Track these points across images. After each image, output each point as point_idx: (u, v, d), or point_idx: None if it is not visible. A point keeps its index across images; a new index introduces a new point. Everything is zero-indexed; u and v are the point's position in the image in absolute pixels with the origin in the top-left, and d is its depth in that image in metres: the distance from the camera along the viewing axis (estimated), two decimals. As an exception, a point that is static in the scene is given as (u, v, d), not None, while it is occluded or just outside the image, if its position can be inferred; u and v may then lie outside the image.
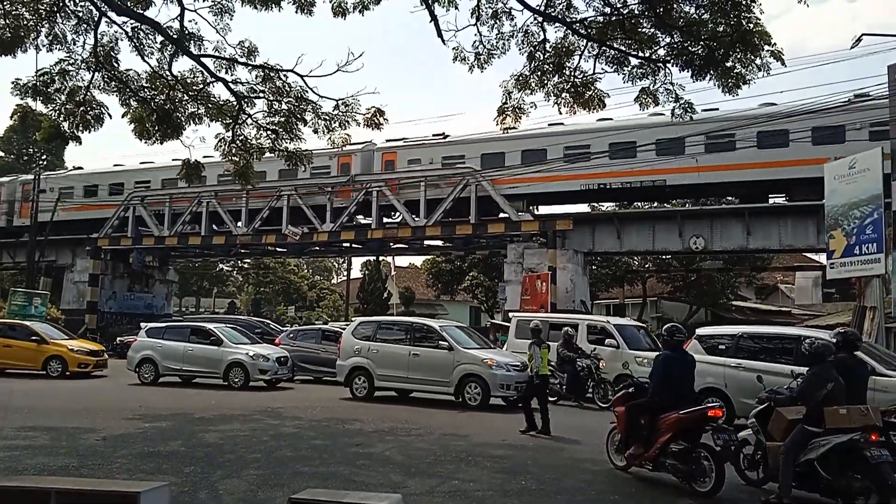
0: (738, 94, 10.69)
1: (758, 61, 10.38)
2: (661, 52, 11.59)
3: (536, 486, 7.87)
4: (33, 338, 19.93)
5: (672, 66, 11.41)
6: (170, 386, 18.45)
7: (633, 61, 11.76)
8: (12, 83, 12.63)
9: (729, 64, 10.49)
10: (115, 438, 9.79)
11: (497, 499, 7.23)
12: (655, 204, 32.01)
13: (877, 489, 6.50)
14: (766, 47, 10.26)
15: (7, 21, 11.81)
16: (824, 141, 24.67)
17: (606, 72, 12.11)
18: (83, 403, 13.92)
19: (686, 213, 29.79)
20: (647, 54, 11.65)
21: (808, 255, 37.12)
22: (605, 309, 45.53)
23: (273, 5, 12.55)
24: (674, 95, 11.63)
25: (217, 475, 7.60)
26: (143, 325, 21.21)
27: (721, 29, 10.45)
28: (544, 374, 11.91)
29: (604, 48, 11.84)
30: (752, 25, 10.17)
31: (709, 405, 7.79)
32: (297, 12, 12.58)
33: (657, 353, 8.99)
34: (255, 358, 17.93)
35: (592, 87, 12.05)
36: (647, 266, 41.67)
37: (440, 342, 15.20)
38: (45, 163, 55.91)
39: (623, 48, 11.77)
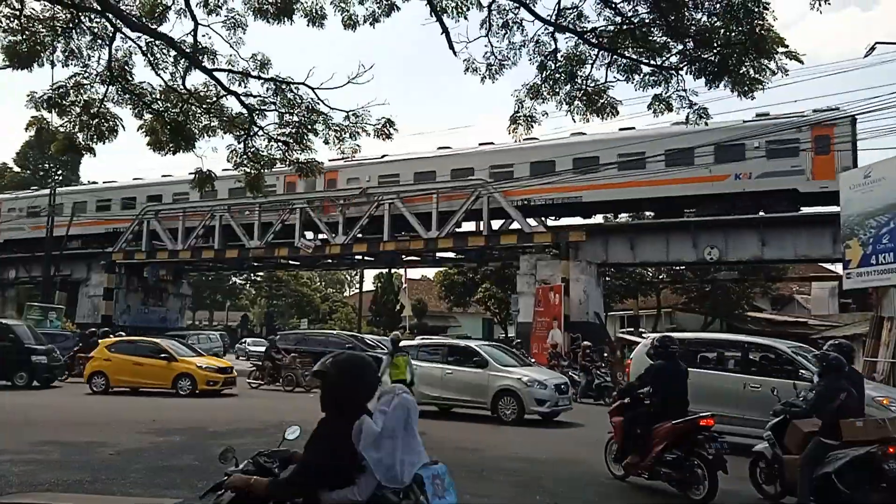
0: (753, 99, 10.59)
1: (772, 65, 10.30)
2: (674, 59, 11.53)
3: (550, 500, 7.76)
4: (162, 355, 19.45)
5: (685, 73, 11.35)
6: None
7: (646, 69, 11.69)
8: (28, 96, 12.73)
9: (743, 70, 10.41)
10: (128, 452, 9.76)
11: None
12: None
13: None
14: (781, 49, 10.18)
15: (24, 36, 11.92)
16: (725, 159, 26.24)
17: (618, 80, 12.07)
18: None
19: (700, 224, 29.60)
20: (660, 62, 11.59)
21: (825, 265, 36.76)
22: (620, 320, 45.31)
23: (285, 19, 12.60)
24: (687, 102, 11.57)
25: (229, 489, 7.53)
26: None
27: (734, 35, 10.38)
28: (398, 380, 12.82)
29: (616, 56, 11.79)
30: (765, 31, 10.10)
31: (701, 415, 7.78)
32: (308, 25, 12.64)
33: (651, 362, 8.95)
34: (530, 384, 14.51)
35: (605, 95, 12.00)
36: (661, 277, 41.43)
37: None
38: (60, 178, 56.44)
39: (635, 56, 11.72)
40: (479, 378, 14.88)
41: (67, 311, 36.14)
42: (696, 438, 7.62)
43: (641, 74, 11.68)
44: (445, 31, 11.40)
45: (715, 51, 10.62)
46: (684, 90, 11.55)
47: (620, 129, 28.40)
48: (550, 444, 11.92)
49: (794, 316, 41.50)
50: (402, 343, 15.62)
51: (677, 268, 38.03)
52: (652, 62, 11.57)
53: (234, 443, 10.73)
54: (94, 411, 15.44)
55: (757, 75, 10.29)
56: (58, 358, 21.36)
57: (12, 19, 12.02)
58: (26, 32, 12.08)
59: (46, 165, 61.10)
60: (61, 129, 13.87)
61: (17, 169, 61.50)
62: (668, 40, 11.20)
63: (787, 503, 7.38)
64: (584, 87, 12.09)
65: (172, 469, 8.61)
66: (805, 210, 26.87)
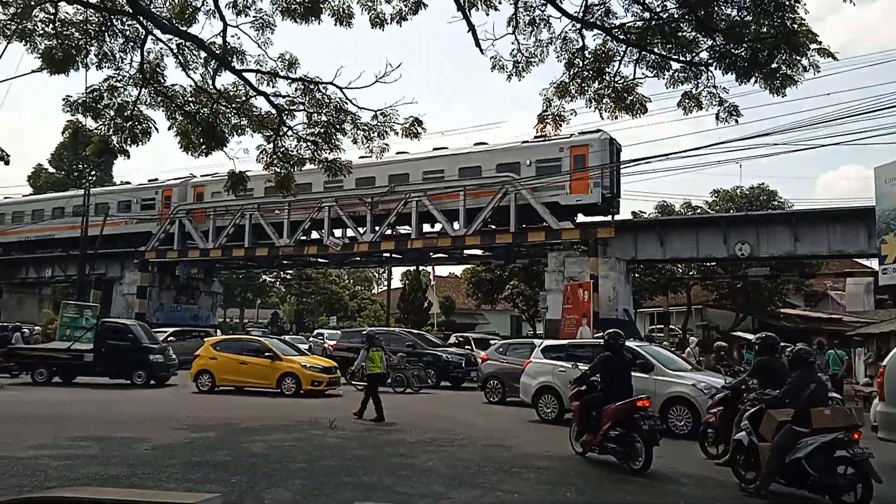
0: (785, 95, 10.45)
1: (804, 61, 10.15)
2: (704, 55, 11.42)
3: (580, 498, 7.77)
4: (267, 354, 19.16)
5: (715, 69, 11.24)
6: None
7: (675, 65, 11.60)
8: (63, 100, 12.98)
9: (774, 65, 10.27)
10: (163, 447, 9.95)
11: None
12: (699, 210, 31.51)
13: (861, 484, 7.05)
14: (813, 45, 10.02)
15: (59, 41, 12.17)
16: (504, 171, 29.93)
17: (647, 76, 11.99)
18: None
19: (730, 220, 29.27)
20: (689, 58, 11.49)
21: (860, 260, 36.10)
22: (649, 317, 44.95)
23: (313, 19, 12.70)
24: (717, 99, 11.46)
25: (262, 485, 7.65)
26: (536, 342, 17.55)
27: (764, 30, 10.25)
28: (373, 373, 13.91)
29: (644, 53, 11.71)
30: (796, 26, 9.95)
31: (639, 397, 9.16)
32: (336, 24, 12.72)
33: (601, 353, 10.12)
34: (706, 391, 12.12)
35: (634, 92, 11.92)
36: (691, 273, 40.98)
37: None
38: (94, 178, 57.46)
39: (664, 52, 11.63)
40: (643, 384, 11.73)
41: (102, 309, 36.82)
42: (635, 417, 8.86)
43: (670, 71, 11.59)
44: (472, 28, 11.41)
45: (745, 46, 10.49)
46: (714, 87, 11.45)
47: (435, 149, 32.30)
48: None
49: (828, 312, 40.81)
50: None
51: (708, 264, 37.61)
52: (681, 58, 11.48)
53: (266, 439, 10.95)
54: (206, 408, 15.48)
55: (789, 71, 10.15)
56: (172, 357, 21.80)
57: (47, 24, 12.28)
58: (61, 37, 12.34)
59: (80, 166, 62.25)
60: (96, 132, 14.14)
61: (52, 170, 62.75)
62: (698, 36, 11.10)
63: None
64: (612, 84, 12.03)
65: (206, 464, 8.77)
66: (838, 204, 26.50)
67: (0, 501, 1.07)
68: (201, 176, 38.48)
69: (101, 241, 36.40)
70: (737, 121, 11.61)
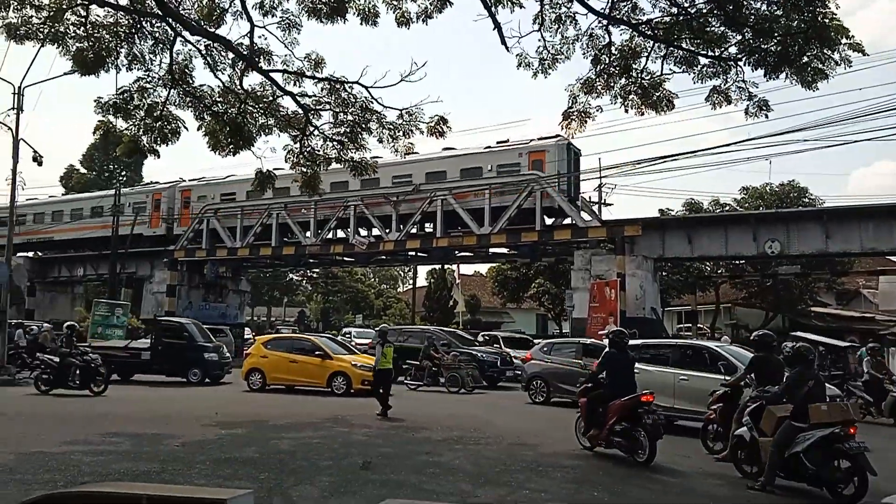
0: (817, 90, 10.29)
1: (836, 56, 9.99)
2: (732, 50, 11.31)
3: (608, 496, 7.72)
4: (317, 353, 18.98)
5: (744, 64, 11.10)
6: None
7: (703, 60, 11.50)
8: (95, 101, 13.20)
9: (805, 60, 10.12)
10: (193, 444, 10.08)
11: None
12: (728, 208, 31.14)
13: (857, 476, 7.40)
14: (844, 40, 9.85)
15: (90, 43, 12.37)
16: (469, 177, 30.87)
17: (675, 72, 11.89)
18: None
19: (760, 217, 28.87)
20: (718, 53, 11.37)
21: (893, 258, 35.39)
22: (677, 316, 44.53)
23: (339, 18, 12.77)
24: (746, 94, 11.32)
25: (290, 481, 7.72)
26: (584, 341, 17.06)
27: (795, 24, 10.10)
28: (383, 368, 14.24)
29: (672, 49, 11.61)
30: (827, 20, 9.80)
31: (642, 392, 9.58)
32: (361, 24, 12.78)
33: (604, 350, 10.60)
34: None
35: (661, 88, 11.82)
36: (719, 271, 40.49)
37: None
38: (124, 179, 58.30)
39: (692, 48, 11.52)
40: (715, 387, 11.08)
41: (133, 307, 37.37)
42: (639, 412, 9.26)
43: (699, 66, 11.50)
44: (497, 26, 11.40)
45: (775, 41, 10.35)
46: (743, 82, 11.32)
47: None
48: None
49: (861, 311, 40.09)
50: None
51: (736, 262, 37.12)
52: (709, 53, 11.37)
53: (293, 436, 11.02)
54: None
55: (820, 66, 9.99)
56: (226, 355, 22.01)
57: (79, 26, 12.49)
58: (92, 39, 12.55)
59: (111, 167, 63.21)
60: (126, 133, 14.36)
61: (83, 171, 63.81)
62: (727, 30, 10.99)
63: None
64: (639, 80, 11.94)
65: (235, 461, 8.86)
66: (871, 201, 26.07)
67: (37, 496, 1.09)
68: (189, 180, 40.54)
69: (116, 240, 37.12)
70: (766, 116, 11.47)
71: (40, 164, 21.58)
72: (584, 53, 11.99)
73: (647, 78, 12.01)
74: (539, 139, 29.94)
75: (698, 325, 38.89)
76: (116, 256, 36.49)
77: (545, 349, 18.89)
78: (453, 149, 31.10)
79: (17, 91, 20.15)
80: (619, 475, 8.82)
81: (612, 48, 11.89)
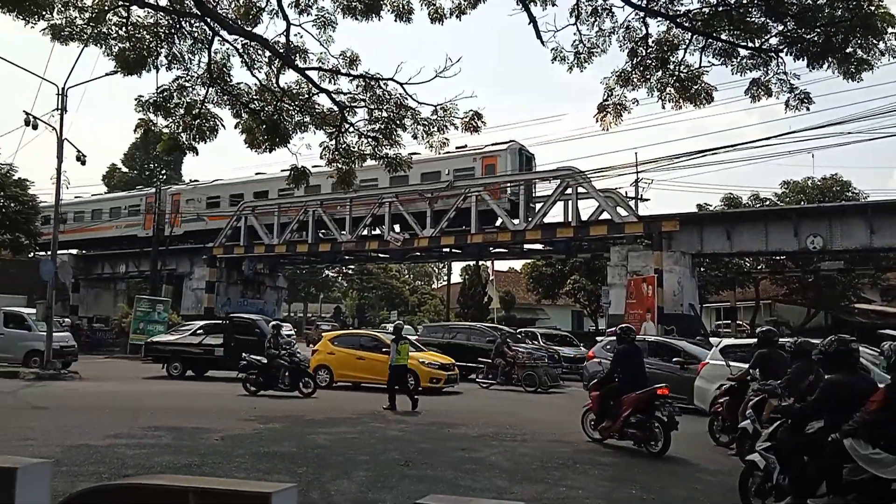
0: (861, 80, 10.02)
1: (881, 45, 9.71)
2: (773, 40, 11.08)
3: (646, 494, 7.63)
4: (384, 350, 17.89)
5: (785, 55, 10.87)
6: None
7: (743, 52, 11.28)
8: (136, 100, 13.46)
9: (849, 50, 9.87)
10: (232, 438, 10.22)
11: (606, 507, 7.06)
12: (768, 202, 30.56)
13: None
14: (891, 29, 9.58)
15: (132, 43, 12.61)
16: (428, 180, 32.25)
17: (713, 64, 11.69)
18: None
19: (802, 212, 28.28)
20: (758, 44, 11.15)
21: (941, 253, 34.37)
22: (716, 312, 43.89)
23: (373, 15, 12.82)
24: (788, 86, 11.08)
25: (328, 476, 7.77)
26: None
27: (839, 13, 9.85)
28: (398, 364, 14.56)
29: (710, 40, 11.42)
30: (873, 8, 9.54)
31: (658, 385, 9.88)
32: (395, 20, 12.81)
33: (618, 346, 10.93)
34: None
35: (699, 81, 11.63)
36: (759, 267, 39.76)
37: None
38: (164, 177, 59.37)
39: (731, 39, 11.31)
40: None
41: (173, 303, 38.05)
42: (654, 404, 9.58)
43: (738, 58, 11.28)
44: (533, 20, 11.33)
45: (818, 30, 10.11)
46: (784, 73, 11.08)
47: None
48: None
49: (907, 307, 39.07)
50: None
51: (777, 258, 36.42)
52: (749, 44, 11.15)
53: (330, 431, 11.10)
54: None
55: (864, 56, 9.72)
56: (298, 352, 21.97)
57: (120, 27, 12.74)
58: (133, 39, 12.79)
59: (151, 165, 64.47)
60: (166, 130, 14.61)
61: (125, 169, 65.17)
62: (767, 21, 10.76)
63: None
64: (676, 73, 11.77)
65: (273, 455, 8.97)
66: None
67: (88, 488, 1.11)
68: (176, 185, 43.62)
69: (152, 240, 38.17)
70: (808, 108, 11.22)
71: (84, 163, 22.03)
72: (620, 46, 11.87)
73: (684, 70, 11.83)
74: (493, 145, 31.34)
75: (737, 322, 38.26)
76: (157, 254, 37.18)
77: (607, 347, 17.19)
78: (418, 153, 31.50)
79: (60, 92, 20.60)
80: (658, 473, 8.72)
81: (649, 40, 11.74)
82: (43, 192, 36.43)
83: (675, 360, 15.34)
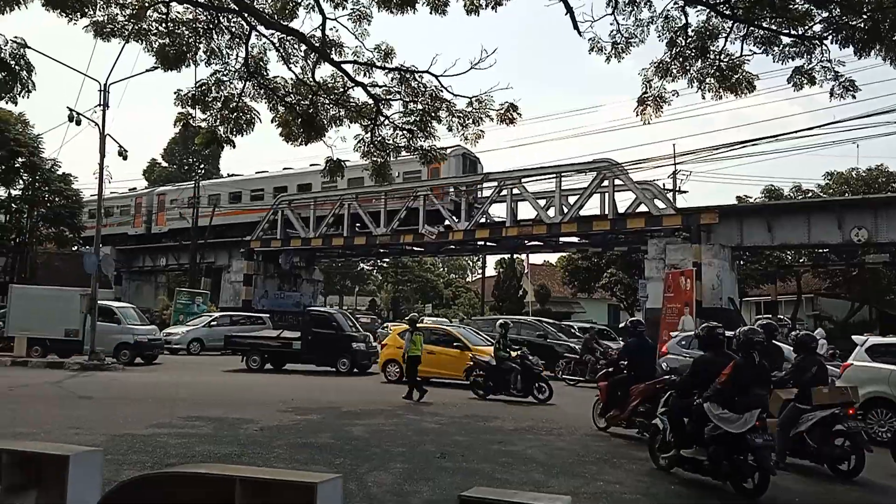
0: (910, 68, 9.71)
1: (933, 30, 9.40)
2: (817, 27, 10.80)
3: (685, 489, 7.55)
4: (455, 344, 18.40)
5: (830, 42, 10.59)
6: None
7: (785, 40, 11.03)
8: (175, 94, 13.67)
9: (897, 36, 9.58)
10: (271, 428, 10.35)
11: (644, 502, 6.98)
12: (811, 194, 29.90)
13: (854, 454, 8.14)
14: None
15: (171, 39, 12.79)
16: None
17: (755, 53, 11.44)
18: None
19: (846, 203, 27.63)
20: (801, 31, 10.88)
21: None
22: (756, 306, 43.15)
23: (408, 8, 12.79)
24: (832, 74, 10.80)
25: (365, 467, 7.83)
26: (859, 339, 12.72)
27: (886, -1, 9.56)
28: (413, 355, 15.12)
29: (752, 28, 11.17)
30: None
31: (664, 378, 10.03)
32: (430, 13, 12.75)
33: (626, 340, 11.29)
34: None
35: (740, 70, 11.39)
36: (801, 260, 38.94)
37: None
38: (203, 171, 60.25)
39: (773, 27, 11.06)
40: None
41: (212, 295, 38.66)
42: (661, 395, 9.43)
43: (780, 46, 11.03)
44: (570, 10, 11.19)
45: (864, 16, 9.82)
46: (829, 61, 10.80)
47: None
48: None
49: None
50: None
51: (820, 250, 35.63)
52: (792, 32, 10.89)
53: (367, 423, 11.18)
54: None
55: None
56: (373, 345, 22.14)
57: (160, 23, 12.92)
58: (173, 35, 12.97)
59: (190, 160, 65.51)
60: (204, 124, 14.80)
61: (164, 164, 66.34)
62: (811, 7, 10.48)
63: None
64: (717, 62, 11.54)
65: (311, 446, 9.07)
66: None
67: (138, 476, 1.12)
68: (162, 186, 45.74)
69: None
70: (854, 97, 10.91)
71: (125, 158, 22.47)
72: (658, 36, 11.65)
73: (725, 60, 11.59)
74: (440, 150, 31.58)
75: (778, 317, 37.52)
76: (196, 247, 37.78)
77: (682, 343, 16.57)
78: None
79: (103, 88, 21.00)
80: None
81: (689, 30, 11.52)
82: (86, 187, 37.36)
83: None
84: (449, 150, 31.44)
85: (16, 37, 11.67)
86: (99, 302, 23.01)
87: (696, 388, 7.85)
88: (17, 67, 11.47)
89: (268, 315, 32.32)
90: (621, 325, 17.21)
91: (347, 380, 19.55)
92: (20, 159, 34.49)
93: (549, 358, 19.28)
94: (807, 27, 10.76)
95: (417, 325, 16.22)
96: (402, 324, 27.39)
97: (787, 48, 10.98)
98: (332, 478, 1.05)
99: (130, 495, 1.11)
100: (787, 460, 8.43)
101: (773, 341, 9.69)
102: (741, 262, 33.32)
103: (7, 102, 12.00)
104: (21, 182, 35.91)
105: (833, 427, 8.23)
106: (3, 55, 11.28)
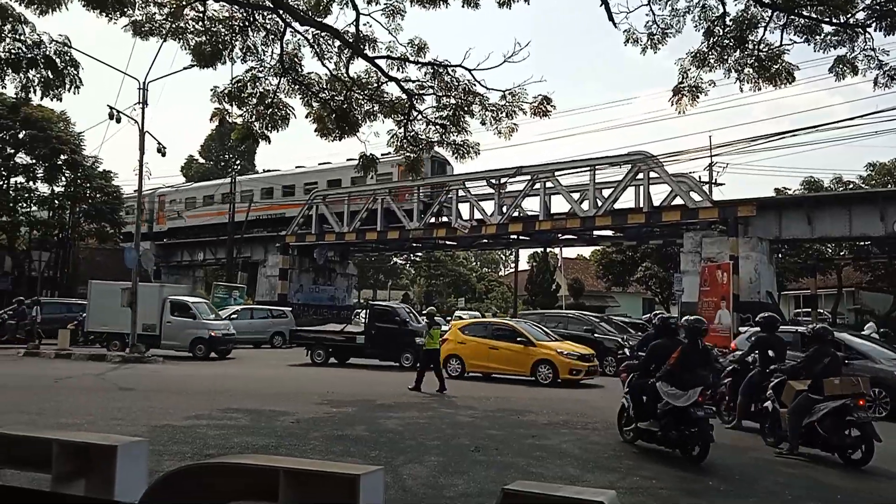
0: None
1: (982, 16, 9.10)
2: (860, 15, 10.54)
3: (724, 486, 7.45)
4: (519, 339, 17.93)
5: (874, 30, 10.32)
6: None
7: (827, 28, 10.77)
8: (211, 90, 13.85)
9: (945, 23, 9.29)
10: (307, 421, 10.47)
11: (682, 498, 6.93)
12: (852, 186, 29.23)
13: (864, 444, 8.34)
14: None
15: (208, 37, 12.96)
16: (356, 183, 36.19)
17: (795, 42, 11.20)
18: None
19: (888, 195, 26.95)
20: (843, 20, 10.62)
21: None
22: (795, 300, 42.37)
23: (441, 2, 12.78)
24: (876, 62, 10.53)
25: (400, 460, 7.87)
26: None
27: (934, -16, 9.28)
28: (430, 348, 15.37)
29: (792, 17, 10.94)
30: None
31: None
32: (463, 6, 12.73)
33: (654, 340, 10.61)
34: None
35: (780, 61, 11.15)
36: (842, 253, 38.10)
37: None
38: (239, 167, 61.02)
39: (814, 15, 10.81)
40: None
41: (248, 289, 39.17)
42: None
43: (822, 35, 10.78)
44: (605, 1, 11.07)
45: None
46: (872, 49, 10.53)
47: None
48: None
49: None
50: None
51: (861, 243, 34.83)
52: (834, 20, 10.63)
53: (401, 416, 11.23)
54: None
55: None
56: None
57: (197, 22, 13.10)
58: (209, 33, 13.14)
59: (226, 156, 66.43)
60: (239, 120, 14.97)
61: (201, 160, 67.37)
62: (854, -6, 10.22)
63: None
64: (755, 52, 11.33)
65: (346, 438, 9.15)
66: None
67: (182, 466, 1.14)
68: (164, 187, 46.31)
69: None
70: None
71: (164, 155, 22.86)
72: (695, 26, 11.48)
73: (764, 49, 11.37)
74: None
75: (818, 311, 36.84)
76: (233, 242, 38.31)
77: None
78: (353, 159, 33.56)
79: (142, 86, 21.37)
80: (736, 463, 8.51)
81: (727, 19, 11.32)
82: (125, 184, 38.11)
83: (731, 359, 12.70)
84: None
85: (60, 34, 11.92)
86: (175, 297, 23.55)
87: (652, 370, 8.93)
88: (62, 65, 11.70)
89: (290, 309, 32.70)
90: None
91: (410, 375, 17.47)
92: (62, 157, 35.34)
93: (597, 353, 18.89)
94: (849, 15, 10.51)
95: (435, 318, 16.61)
96: (465, 317, 27.40)
97: (829, 37, 10.74)
98: (375, 469, 1.05)
99: (176, 485, 1.13)
100: (802, 449, 8.74)
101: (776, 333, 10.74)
102: (780, 256, 32.71)
103: (52, 100, 12.27)
104: (63, 179, 36.80)
105: (844, 417, 8.42)
106: (48, 53, 11.52)
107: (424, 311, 18.74)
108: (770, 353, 10.42)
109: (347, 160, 37.09)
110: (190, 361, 21.46)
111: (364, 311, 28.47)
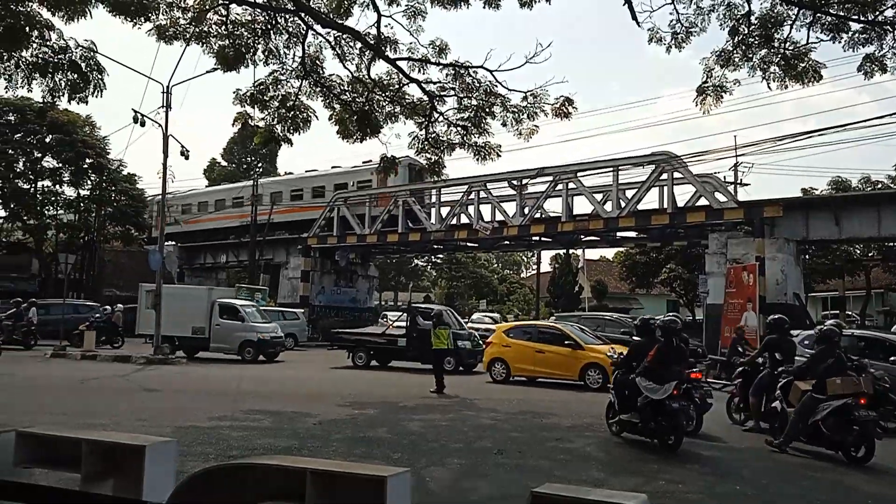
0: None
1: None
2: (889, 12, 10.36)
3: (751, 490, 7.34)
4: (567, 343, 17.49)
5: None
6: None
7: (855, 26, 10.61)
8: (234, 93, 13.96)
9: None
10: (329, 423, 10.49)
11: (708, 502, 6.82)
12: (881, 185, 28.74)
13: (865, 441, 8.54)
14: None
15: (231, 41, 13.06)
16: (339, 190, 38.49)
17: (822, 40, 11.04)
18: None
19: (919, 194, 26.43)
20: (872, 17, 10.45)
21: None
22: (822, 302, 41.79)
23: (462, 3, 12.77)
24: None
25: (422, 462, 7.85)
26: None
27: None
28: (438, 348, 15.82)
29: (819, 14, 10.78)
30: None
31: (691, 370, 10.20)
32: (484, 7, 12.70)
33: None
34: None
35: (806, 59, 11.00)
36: (871, 254, 37.49)
37: None
38: (261, 170, 61.47)
39: (842, 13, 10.65)
40: None
41: (271, 291, 39.39)
42: (687, 387, 9.71)
43: (849, 33, 10.62)
44: (628, 0, 10.99)
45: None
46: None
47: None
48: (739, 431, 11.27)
49: None
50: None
51: (891, 244, 34.24)
52: (862, 18, 10.47)
53: (423, 418, 11.20)
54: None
55: None
56: (479, 343, 21.20)
57: (220, 25, 13.20)
58: (232, 36, 13.23)
59: (249, 159, 66.95)
60: (262, 123, 15.06)
61: (224, 163, 67.96)
62: (883, -10, 10.05)
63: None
64: (781, 50, 11.18)
65: (369, 440, 9.15)
66: None
67: (209, 467, 1.12)
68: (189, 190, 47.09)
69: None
70: None
71: (187, 158, 23.08)
72: (720, 24, 11.36)
73: (790, 48, 11.22)
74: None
75: (847, 312, 36.28)
76: (255, 244, 38.57)
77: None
78: (339, 166, 39.61)
79: (165, 90, 21.60)
80: (762, 468, 8.38)
81: (752, 17, 11.18)
82: (149, 187, 38.58)
83: (891, 359, 12.00)
84: (399, 160, 32.40)
85: (86, 39, 12.06)
86: (224, 300, 23.71)
87: (634, 366, 9.69)
88: (87, 69, 11.85)
89: (303, 311, 32.76)
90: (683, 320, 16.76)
91: (453, 379, 17.45)
92: (88, 160, 35.85)
93: None
94: (878, 12, 10.35)
95: (443, 319, 17.02)
96: (486, 320, 27.05)
97: (857, 35, 10.57)
98: (401, 472, 1.04)
99: (203, 485, 1.12)
100: (808, 448, 9.10)
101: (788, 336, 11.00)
102: (807, 257, 32.25)
103: (78, 103, 12.42)
104: (89, 182, 37.32)
105: (847, 416, 8.61)
106: (73, 58, 11.67)
107: (433, 314, 18.53)
108: (777, 355, 10.56)
109: (359, 163, 37.94)
110: (219, 364, 21.62)
111: (402, 313, 28.02)
